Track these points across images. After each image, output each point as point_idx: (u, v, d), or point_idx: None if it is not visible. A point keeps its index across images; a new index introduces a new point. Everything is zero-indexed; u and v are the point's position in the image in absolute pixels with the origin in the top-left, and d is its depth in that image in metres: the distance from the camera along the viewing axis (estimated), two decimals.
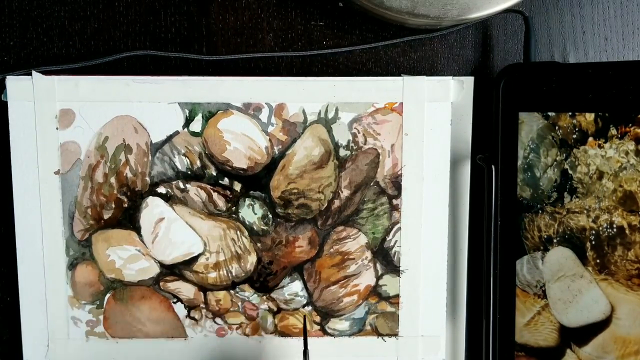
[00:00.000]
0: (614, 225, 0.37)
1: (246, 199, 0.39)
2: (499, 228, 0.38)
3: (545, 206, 0.38)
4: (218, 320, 0.40)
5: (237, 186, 0.39)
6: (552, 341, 0.38)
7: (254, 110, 0.39)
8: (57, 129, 0.38)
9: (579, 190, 0.37)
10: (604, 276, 0.38)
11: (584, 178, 0.37)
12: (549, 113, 0.37)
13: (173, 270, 0.40)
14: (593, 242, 0.38)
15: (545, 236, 0.38)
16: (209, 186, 0.39)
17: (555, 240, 0.38)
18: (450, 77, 0.39)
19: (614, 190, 0.37)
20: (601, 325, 0.38)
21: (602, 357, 0.38)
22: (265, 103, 0.39)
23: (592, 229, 0.38)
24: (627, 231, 0.37)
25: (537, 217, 0.38)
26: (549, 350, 0.38)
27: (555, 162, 0.38)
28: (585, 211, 0.37)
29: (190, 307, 0.40)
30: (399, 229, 0.40)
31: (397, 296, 0.40)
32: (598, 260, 0.38)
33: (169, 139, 0.39)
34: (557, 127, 0.37)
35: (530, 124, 0.37)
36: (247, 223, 0.39)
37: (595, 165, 0.37)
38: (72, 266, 0.39)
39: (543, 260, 0.38)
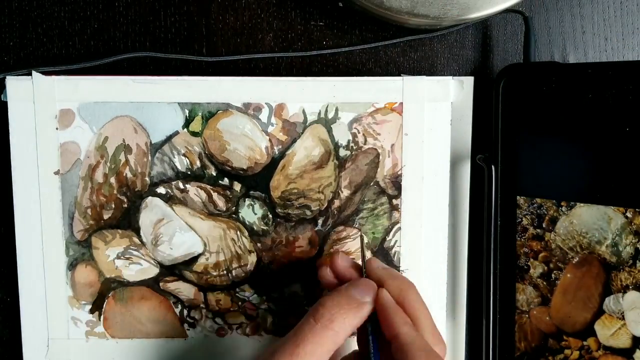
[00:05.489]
0: None
1: (246, 199, 0.39)
2: (499, 228, 0.38)
3: None
4: (218, 320, 0.40)
5: (237, 186, 0.39)
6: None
7: (253, 110, 0.39)
8: (57, 129, 0.38)
9: None
10: None
11: None
12: None
13: (173, 271, 0.40)
14: None
15: None
16: (208, 186, 0.39)
17: None
18: (450, 77, 0.39)
19: None
20: None
21: None
22: (265, 103, 0.39)
23: None
24: None
25: None
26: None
27: None
28: None
29: (190, 307, 0.40)
30: (399, 229, 0.40)
31: None
32: None
33: (169, 139, 0.39)
34: None
35: None
36: (247, 223, 0.39)
37: None
38: (72, 266, 0.39)
39: None
